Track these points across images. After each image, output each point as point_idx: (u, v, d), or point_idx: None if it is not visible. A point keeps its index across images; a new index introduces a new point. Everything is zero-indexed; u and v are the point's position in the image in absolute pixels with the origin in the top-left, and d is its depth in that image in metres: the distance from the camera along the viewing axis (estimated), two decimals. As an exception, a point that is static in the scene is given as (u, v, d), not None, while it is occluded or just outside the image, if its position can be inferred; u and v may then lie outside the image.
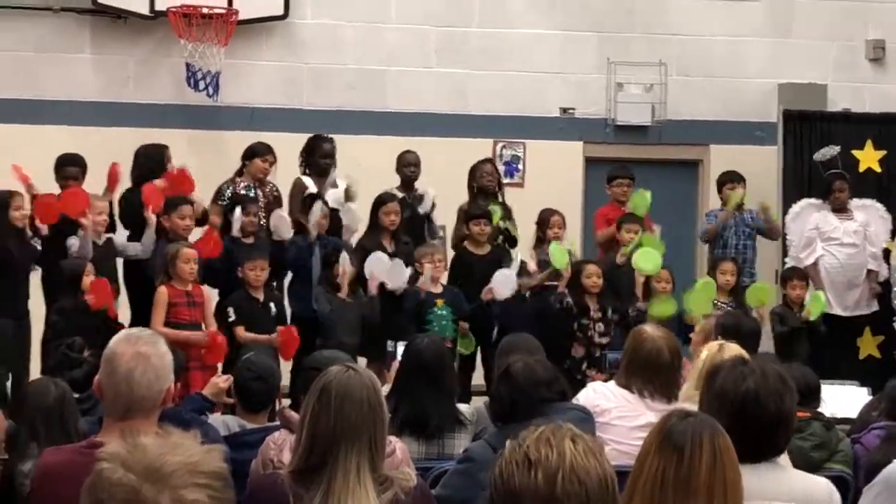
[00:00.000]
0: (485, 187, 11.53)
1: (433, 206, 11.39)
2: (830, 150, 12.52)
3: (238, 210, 10.51)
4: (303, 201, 10.89)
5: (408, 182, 11.49)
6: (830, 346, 11.40)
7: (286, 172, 11.29)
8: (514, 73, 13.58)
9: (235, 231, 10.47)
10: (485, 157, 12.09)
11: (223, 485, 2.62)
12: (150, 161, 10.65)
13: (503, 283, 10.57)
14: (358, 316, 10.39)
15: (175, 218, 10.20)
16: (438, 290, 10.62)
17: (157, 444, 2.63)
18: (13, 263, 9.81)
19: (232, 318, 9.94)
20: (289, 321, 10.37)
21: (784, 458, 4.15)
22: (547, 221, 11.32)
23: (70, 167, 10.48)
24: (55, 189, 10.33)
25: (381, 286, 10.49)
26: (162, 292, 9.68)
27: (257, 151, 11.09)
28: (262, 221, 10.77)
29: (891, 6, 14.14)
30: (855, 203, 12.26)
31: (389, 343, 9.72)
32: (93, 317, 9.37)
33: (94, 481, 2.60)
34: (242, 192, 10.91)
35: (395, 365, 7.00)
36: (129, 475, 2.56)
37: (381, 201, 10.98)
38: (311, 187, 11.06)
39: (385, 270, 10.45)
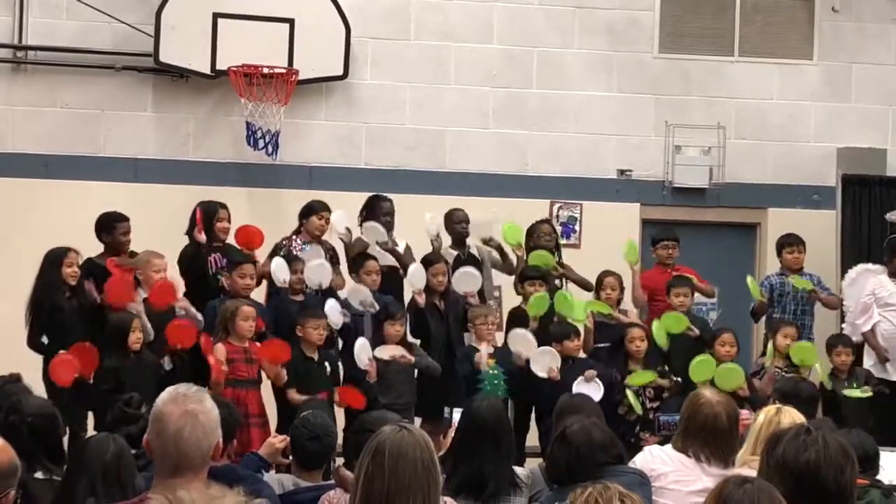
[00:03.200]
0: (542, 247, 11.52)
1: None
2: None
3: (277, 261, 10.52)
4: (356, 259, 10.92)
5: (460, 239, 11.50)
6: (889, 412, 11.25)
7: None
8: (572, 135, 13.62)
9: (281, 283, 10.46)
10: (542, 218, 12.08)
11: None
12: (203, 218, 10.69)
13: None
14: (412, 375, 10.37)
15: (236, 276, 10.24)
16: (490, 349, 10.59)
17: (196, 497, 2.66)
18: (64, 320, 9.85)
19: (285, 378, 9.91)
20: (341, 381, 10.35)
21: (843, 528, 4.10)
22: (601, 282, 11.29)
23: (124, 223, 10.54)
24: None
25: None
26: (219, 348, 9.70)
27: (313, 209, 11.13)
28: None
29: (950, 71, 14.09)
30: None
31: (446, 409, 9.68)
32: (142, 372, 9.39)
33: None
34: (298, 250, 10.92)
35: (451, 432, 6.97)
36: None
37: (427, 262, 10.99)
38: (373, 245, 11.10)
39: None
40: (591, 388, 9.98)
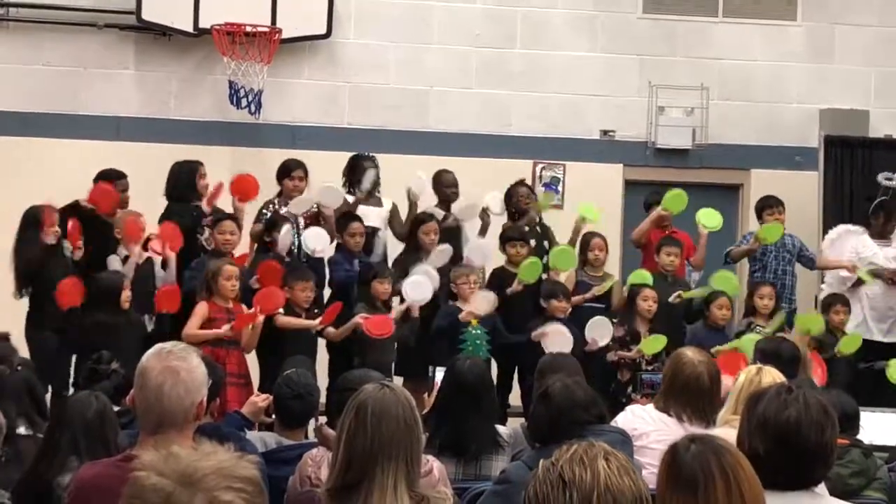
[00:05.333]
0: (521, 209, 11.53)
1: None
2: (895, 177, 12.49)
3: (286, 227, 10.49)
4: (340, 220, 10.89)
5: (447, 202, 11.49)
6: (870, 373, 11.31)
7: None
8: (555, 95, 13.61)
9: (281, 249, 10.45)
10: (518, 180, 12.03)
11: (256, 490, 2.67)
12: (182, 177, 10.68)
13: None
14: (394, 335, 10.39)
15: (216, 234, 10.23)
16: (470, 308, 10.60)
17: (190, 452, 2.69)
18: (47, 278, 9.84)
19: (280, 312, 9.93)
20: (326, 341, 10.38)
21: (821, 487, 4.12)
22: (588, 244, 11.31)
23: (122, 179, 10.56)
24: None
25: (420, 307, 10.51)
26: (202, 306, 9.71)
27: (285, 170, 11.09)
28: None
29: (934, 33, 14.11)
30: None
31: (430, 368, 9.70)
32: (131, 330, 9.40)
33: (130, 489, 2.64)
34: (282, 212, 10.89)
35: (435, 391, 7.00)
36: (163, 480, 2.60)
37: (420, 220, 11.00)
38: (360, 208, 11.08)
39: (410, 286, 10.45)
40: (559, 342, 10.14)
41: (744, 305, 11.51)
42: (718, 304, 10.84)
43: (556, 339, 10.12)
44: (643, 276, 11.05)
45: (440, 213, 11.27)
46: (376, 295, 10.39)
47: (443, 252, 10.77)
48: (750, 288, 11.53)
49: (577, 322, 10.59)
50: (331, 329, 10.17)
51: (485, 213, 11.51)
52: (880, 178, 12.55)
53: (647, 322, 10.67)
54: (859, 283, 11.78)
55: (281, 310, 9.93)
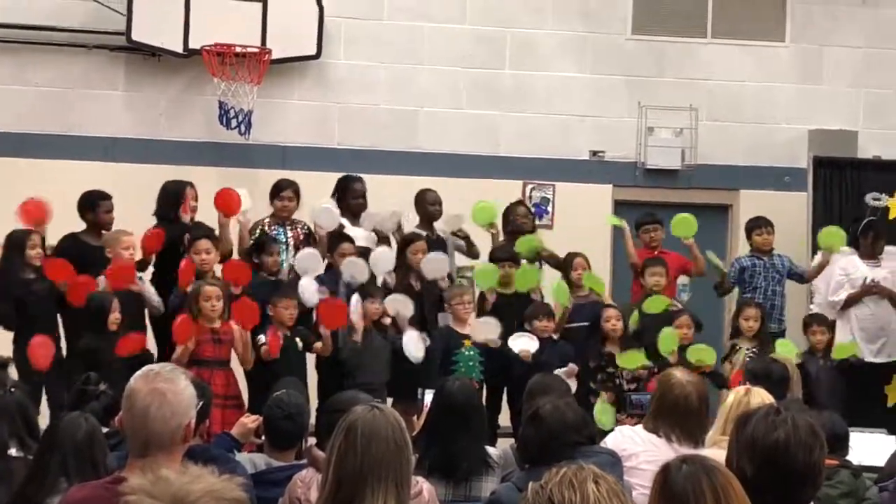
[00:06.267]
0: (519, 229, 11.53)
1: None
2: (883, 198, 12.51)
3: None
4: (331, 240, 10.89)
5: (430, 221, 11.48)
6: (859, 394, 11.33)
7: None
8: (545, 116, 13.64)
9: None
10: (517, 200, 12.10)
11: None
12: (169, 197, 10.65)
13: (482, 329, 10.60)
14: (386, 356, 10.37)
15: (193, 254, 10.18)
16: (466, 330, 10.61)
17: (179, 476, 2.70)
18: (31, 302, 9.79)
19: (262, 341, 9.92)
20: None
21: (812, 508, 4.13)
22: (570, 264, 11.31)
23: (107, 201, 10.53)
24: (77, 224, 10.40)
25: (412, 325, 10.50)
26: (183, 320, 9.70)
27: (278, 189, 11.07)
28: (292, 261, 10.76)
29: (921, 54, 14.17)
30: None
31: (419, 391, 9.70)
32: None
33: None
34: (273, 232, 10.89)
35: (424, 413, 6.99)
36: (156, 503, 2.60)
37: (408, 240, 11.00)
38: (348, 228, 11.06)
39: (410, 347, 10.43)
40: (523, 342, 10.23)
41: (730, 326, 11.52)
42: (678, 323, 10.83)
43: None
44: (562, 293, 10.99)
45: (422, 234, 11.25)
46: (367, 315, 10.37)
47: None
48: (737, 308, 11.53)
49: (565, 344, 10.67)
50: (318, 343, 10.16)
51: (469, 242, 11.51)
52: (868, 198, 12.59)
53: (616, 342, 10.66)
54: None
55: (263, 338, 9.91)
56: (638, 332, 10.87)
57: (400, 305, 10.44)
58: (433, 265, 10.80)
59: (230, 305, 9.86)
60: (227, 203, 10.56)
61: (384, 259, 10.78)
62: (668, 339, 10.47)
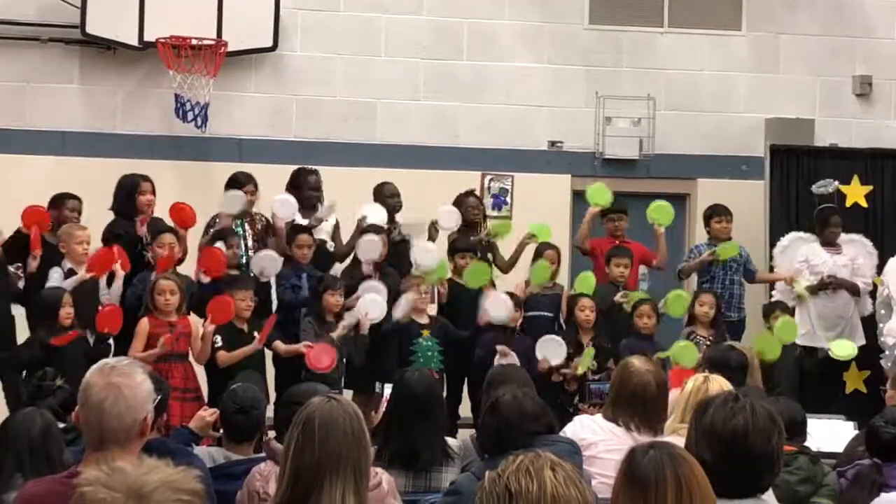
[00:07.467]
0: (470, 220, 11.54)
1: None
2: (829, 184, 12.55)
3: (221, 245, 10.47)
4: (289, 233, 10.85)
5: (391, 213, 11.45)
6: (817, 380, 11.39)
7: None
8: (503, 106, 13.63)
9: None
10: (467, 190, 12.04)
11: (203, 502, 2.71)
12: (124, 192, 10.60)
13: (496, 306, 10.53)
14: (343, 349, 10.35)
15: (156, 247, 10.16)
16: (425, 320, 10.61)
17: (136, 467, 2.71)
18: None
19: (218, 343, 9.89)
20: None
21: (769, 494, 4.14)
22: (541, 254, 11.31)
23: (73, 200, 10.49)
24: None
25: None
26: (142, 323, 9.71)
27: (235, 183, 11.04)
28: (251, 253, 10.73)
29: (876, 42, 14.24)
30: (843, 238, 12.26)
31: (377, 385, 9.68)
32: (74, 347, 9.31)
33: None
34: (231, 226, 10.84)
35: (383, 406, 6.98)
36: (113, 494, 2.61)
37: (366, 232, 10.95)
38: (299, 219, 11.02)
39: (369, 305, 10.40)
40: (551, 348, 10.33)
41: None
42: (639, 312, 10.87)
43: (496, 303, 10.33)
44: (588, 282, 11.03)
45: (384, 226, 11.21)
46: (328, 307, 10.35)
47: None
48: (693, 296, 11.57)
49: (527, 333, 10.68)
50: (279, 343, 10.14)
51: (433, 228, 11.45)
52: (813, 187, 12.62)
53: (588, 332, 10.69)
54: (799, 299, 11.86)
55: (219, 339, 9.88)
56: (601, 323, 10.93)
57: (371, 307, 10.40)
58: (366, 246, 10.74)
59: (209, 299, 9.89)
60: (181, 217, 10.55)
61: (369, 247, 10.73)
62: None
